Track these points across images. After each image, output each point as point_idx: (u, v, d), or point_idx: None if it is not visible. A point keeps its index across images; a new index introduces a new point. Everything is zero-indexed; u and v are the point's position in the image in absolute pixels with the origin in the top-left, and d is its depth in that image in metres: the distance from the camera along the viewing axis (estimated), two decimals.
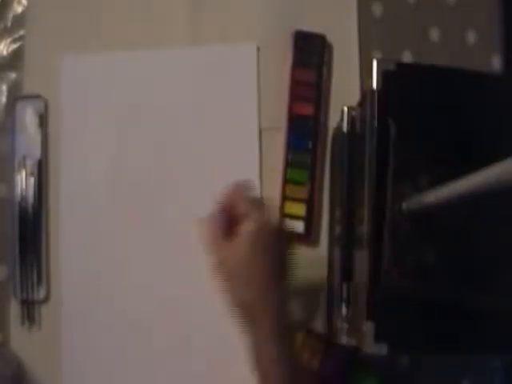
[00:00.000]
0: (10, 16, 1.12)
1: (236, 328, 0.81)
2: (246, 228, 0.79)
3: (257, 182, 1.07)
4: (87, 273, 1.07)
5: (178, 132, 1.08)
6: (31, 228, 1.07)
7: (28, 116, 1.08)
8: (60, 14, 1.12)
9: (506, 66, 1.16)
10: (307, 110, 1.08)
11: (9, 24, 1.12)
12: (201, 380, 1.04)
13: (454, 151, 0.82)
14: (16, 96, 1.09)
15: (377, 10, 1.14)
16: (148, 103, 1.09)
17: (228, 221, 0.83)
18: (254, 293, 0.79)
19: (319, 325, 1.05)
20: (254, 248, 0.79)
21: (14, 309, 1.06)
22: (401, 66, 0.87)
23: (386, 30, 1.14)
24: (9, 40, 1.11)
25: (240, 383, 0.88)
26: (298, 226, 1.06)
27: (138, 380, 1.05)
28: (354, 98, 1.01)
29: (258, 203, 0.84)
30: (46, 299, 1.06)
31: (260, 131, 1.09)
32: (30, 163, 1.07)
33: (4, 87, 1.11)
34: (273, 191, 1.07)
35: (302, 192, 1.06)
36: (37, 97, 1.09)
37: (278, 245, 0.82)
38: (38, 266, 1.06)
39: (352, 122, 0.95)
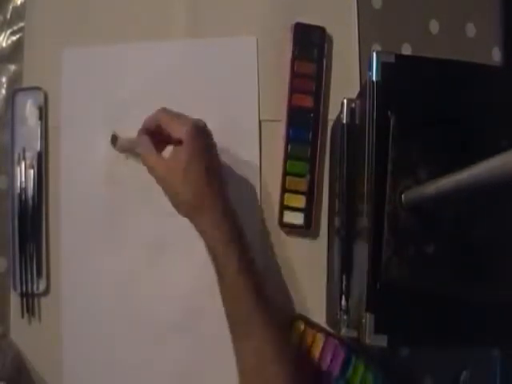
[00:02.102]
0: (10, 8, 1.12)
1: None
2: (177, 132, 0.90)
3: (257, 175, 1.08)
4: (87, 265, 1.07)
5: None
6: (31, 220, 1.07)
7: (28, 108, 1.08)
8: (60, 6, 1.11)
9: (506, 58, 1.16)
10: (307, 102, 1.08)
11: (8, 16, 1.11)
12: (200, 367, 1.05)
13: (453, 143, 0.81)
14: (15, 88, 1.09)
15: (376, 2, 1.14)
16: (147, 96, 1.09)
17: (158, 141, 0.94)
18: (192, 190, 0.89)
19: (319, 316, 1.06)
20: (180, 154, 0.89)
21: (14, 301, 1.06)
22: (400, 58, 0.87)
23: (385, 22, 1.14)
24: (8, 32, 1.11)
25: None
26: (298, 218, 1.06)
27: (138, 371, 1.05)
28: (354, 90, 1.01)
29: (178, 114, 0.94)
30: (46, 292, 1.06)
31: (260, 123, 1.09)
32: (30, 155, 1.07)
33: (3, 79, 1.10)
34: (273, 183, 1.07)
35: (302, 184, 1.07)
36: (36, 89, 1.09)
37: (204, 144, 0.91)
38: (37, 258, 1.06)
39: (352, 114, 0.95)
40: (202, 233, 0.89)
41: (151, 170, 0.91)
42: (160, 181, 0.91)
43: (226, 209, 0.90)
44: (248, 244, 0.91)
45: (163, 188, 0.91)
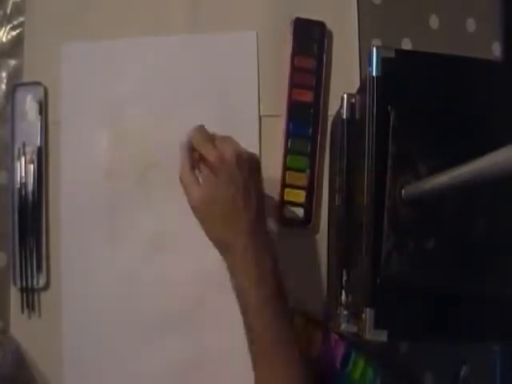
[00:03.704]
0: (10, 3, 1.12)
1: None
2: (206, 169, 0.86)
3: None
4: (87, 260, 1.07)
5: (177, 119, 1.08)
6: (31, 215, 1.07)
7: (28, 103, 1.08)
8: (60, 1, 1.12)
9: (506, 53, 1.16)
10: (307, 97, 1.08)
11: (8, 11, 1.11)
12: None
13: (453, 138, 0.81)
14: (16, 83, 1.09)
15: None
16: (147, 91, 1.09)
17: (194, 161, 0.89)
18: (221, 228, 0.85)
19: (319, 312, 1.06)
20: (216, 184, 0.85)
21: (14, 296, 1.06)
22: (400, 53, 0.87)
23: (385, 17, 1.14)
24: (8, 27, 1.11)
25: None
26: (298, 213, 1.06)
27: (138, 366, 1.05)
28: (354, 85, 1.00)
29: (220, 139, 0.89)
30: (46, 287, 1.07)
31: (260, 118, 1.09)
32: (30, 150, 1.07)
33: (3, 74, 1.10)
34: (273, 178, 1.07)
35: (302, 179, 1.07)
36: (36, 84, 1.09)
37: (240, 175, 0.86)
38: (37, 253, 1.06)
39: (352, 109, 0.95)
40: (230, 273, 0.86)
41: (183, 190, 0.88)
42: (190, 206, 0.87)
43: (259, 251, 0.85)
44: (285, 292, 0.87)
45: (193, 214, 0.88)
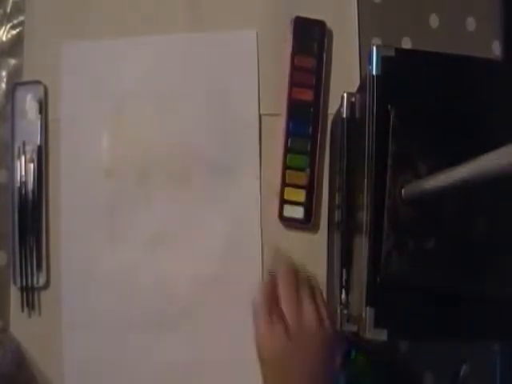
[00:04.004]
0: (10, 1, 1.12)
1: None
2: (304, 328, 0.85)
3: (257, 169, 1.08)
4: (87, 259, 1.07)
5: (177, 118, 1.08)
6: (31, 214, 1.07)
7: (28, 102, 1.08)
8: (60, 0, 1.11)
9: (506, 52, 1.16)
10: (307, 96, 1.08)
11: (8, 10, 1.11)
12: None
13: (453, 137, 0.81)
14: (16, 82, 1.09)
15: None
16: (147, 90, 1.09)
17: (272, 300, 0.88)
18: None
19: None
20: (306, 348, 0.84)
21: (14, 295, 1.06)
22: (400, 52, 0.87)
23: (385, 16, 1.13)
24: (8, 26, 1.11)
25: None
26: (298, 212, 1.06)
27: (138, 363, 1.05)
28: (354, 84, 1.00)
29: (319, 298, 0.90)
30: (46, 285, 1.07)
31: (260, 117, 1.09)
32: (30, 149, 1.07)
33: (3, 73, 1.10)
34: (273, 177, 1.07)
35: (302, 178, 1.07)
36: (36, 83, 1.09)
37: (326, 350, 0.87)
38: (37, 252, 1.06)
39: (352, 108, 0.95)
40: None
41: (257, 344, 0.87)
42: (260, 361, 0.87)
43: None
44: None
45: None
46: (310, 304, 0.88)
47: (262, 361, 0.86)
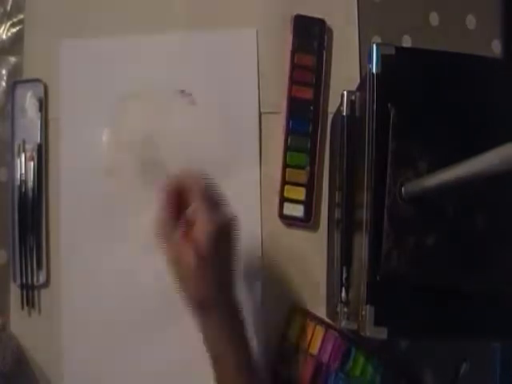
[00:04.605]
0: (10, 0, 1.12)
1: None
2: (200, 230, 0.81)
3: (257, 167, 1.08)
4: (87, 257, 1.07)
5: (177, 117, 1.08)
6: (31, 212, 1.07)
7: (28, 100, 1.08)
8: None
9: (506, 50, 1.16)
10: (307, 94, 1.08)
11: (8, 8, 1.11)
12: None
13: (453, 135, 0.81)
14: (15, 80, 1.09)
15: None
16: (147, 88, 1.09)
17: (177, 207, 0.84)
18: (206, 291, 0.83)
19: (319, 309, 1.06)
20: (208, 250, 0.80)
21: (14, 293, 1.06)
22: (401, 50, 0.87)
23: (385, 15, 1.14)
24: (8, 24, 1.11)
25: None
26: (298, 210, 1.06)
27: (138, 361, 1.05)
28: (354, 82, 1.00)
29: (212, 200, 0.84)
30: (46, 284, 1.07)
31: (260, 115, 1.09)
32: (30, 147, 1.07)
33: (3, 71, 1.10)
34: (273, 175, 1.07)
35: (302, 176, 1.07)
36: (36, 81, 1.09)
37: (228, 243, 0.86)
38: (37, 250, 1.06)
39: (351, 106, 0.95)
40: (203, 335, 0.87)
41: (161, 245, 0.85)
42: (168, 264, 0.85)
43: (229, 314, 0.86)
44: (251, 348, 0.88)
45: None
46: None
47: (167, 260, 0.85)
